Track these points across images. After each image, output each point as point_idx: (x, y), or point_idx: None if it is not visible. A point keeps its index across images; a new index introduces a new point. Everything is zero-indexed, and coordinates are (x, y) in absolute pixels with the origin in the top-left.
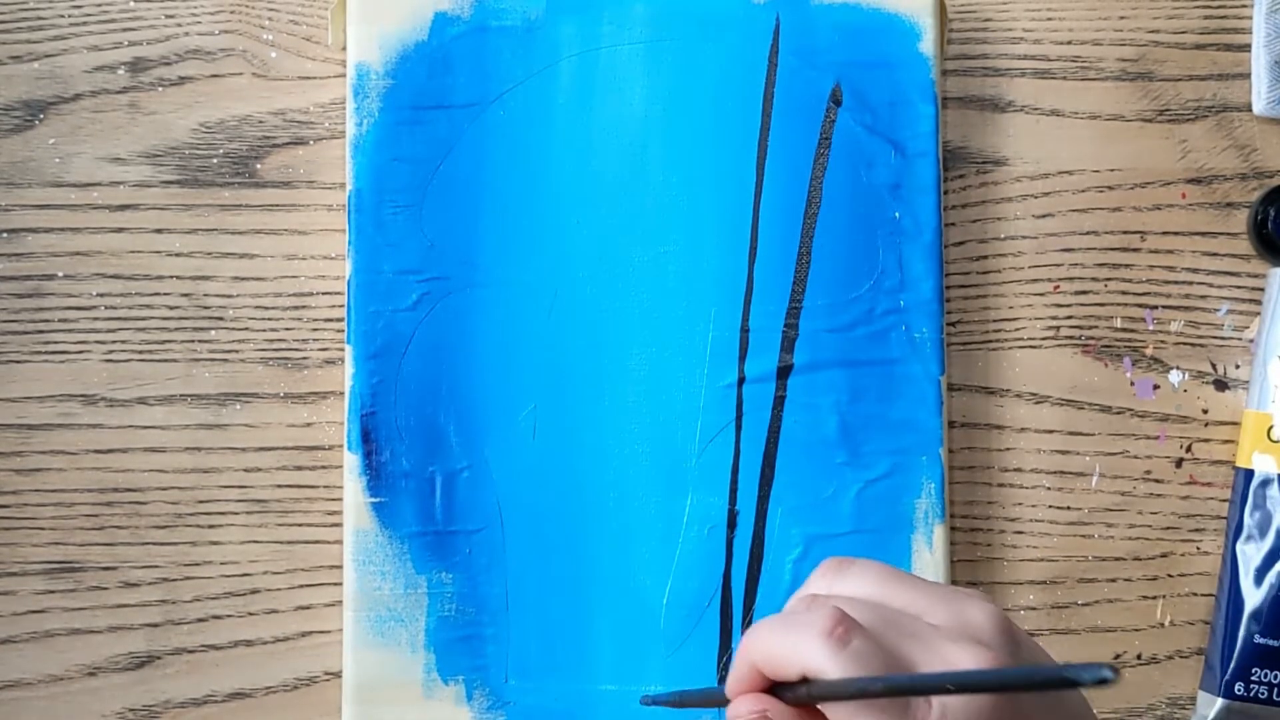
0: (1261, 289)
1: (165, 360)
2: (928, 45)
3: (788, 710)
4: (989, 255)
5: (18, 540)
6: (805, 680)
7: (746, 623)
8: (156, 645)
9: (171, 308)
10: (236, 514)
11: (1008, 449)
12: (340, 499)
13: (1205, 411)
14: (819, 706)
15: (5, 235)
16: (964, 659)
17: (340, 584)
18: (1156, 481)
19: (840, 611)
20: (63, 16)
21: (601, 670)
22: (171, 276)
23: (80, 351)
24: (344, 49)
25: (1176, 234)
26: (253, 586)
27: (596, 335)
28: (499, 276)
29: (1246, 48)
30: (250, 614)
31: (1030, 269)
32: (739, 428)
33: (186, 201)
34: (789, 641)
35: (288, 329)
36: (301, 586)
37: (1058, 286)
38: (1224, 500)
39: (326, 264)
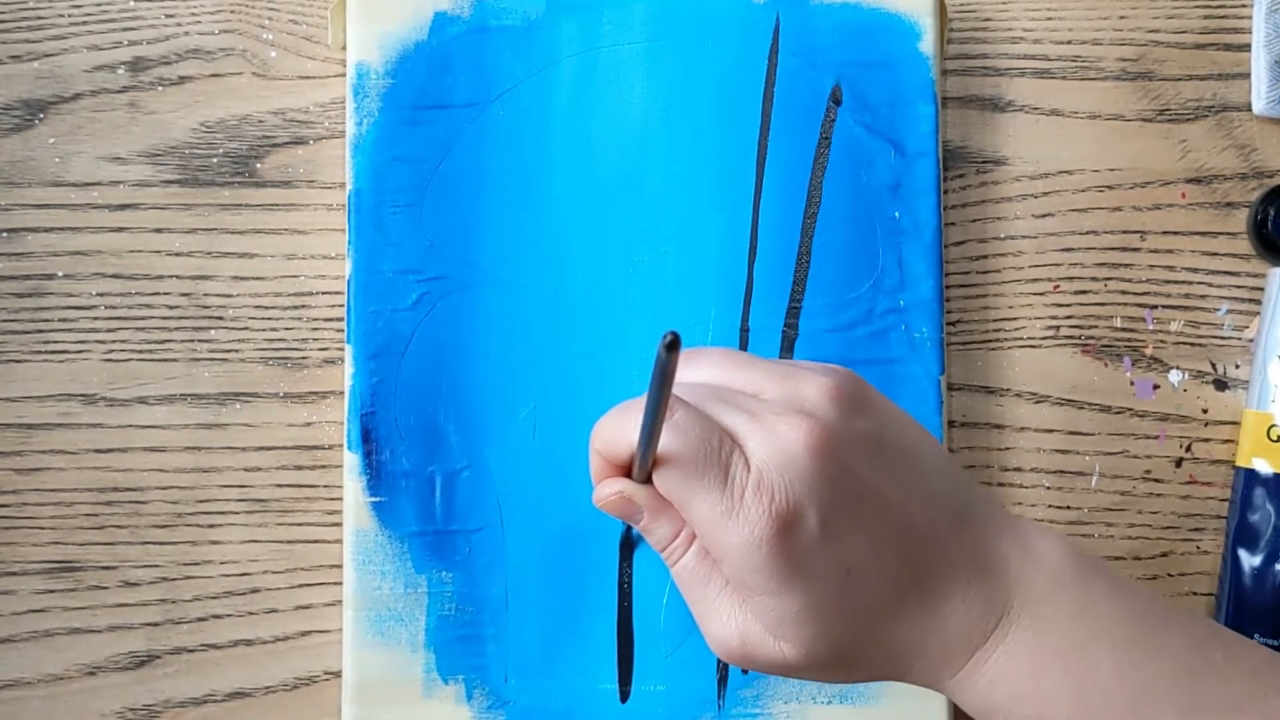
0: (1261, 289)
1: (165, 360)
2: (928, 45)
3: (641, 488)
4: (989, 255)
5: (18, 540)
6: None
7: None
8: (156, 645)
9: (171, 307)
10: (236, 513)
11: (1008, 449)
12: (340, 498)
13: (1205, 411)
14: (655, 478)
15: (5, 235)
16: (786, 429)
17: (340, 583)
18: (1156, 481)
19: None
20: (63, 16)
21: (601, 670)
22: (171, 276)
23: (80, 351)
24: (344, 49)
25: (1176, 234)
26: (253, 586)
27: (596, 335)
28: (499, 276)
29: (1246, 47)
30: (250, 613)
31: (1030, 269)
32: None
33: (186, 201)
34: (619, 424)
35: (288, 329)
36: (301, 586)
37: (1058, 286)
38: (1224, 500)
39: (326, 264)
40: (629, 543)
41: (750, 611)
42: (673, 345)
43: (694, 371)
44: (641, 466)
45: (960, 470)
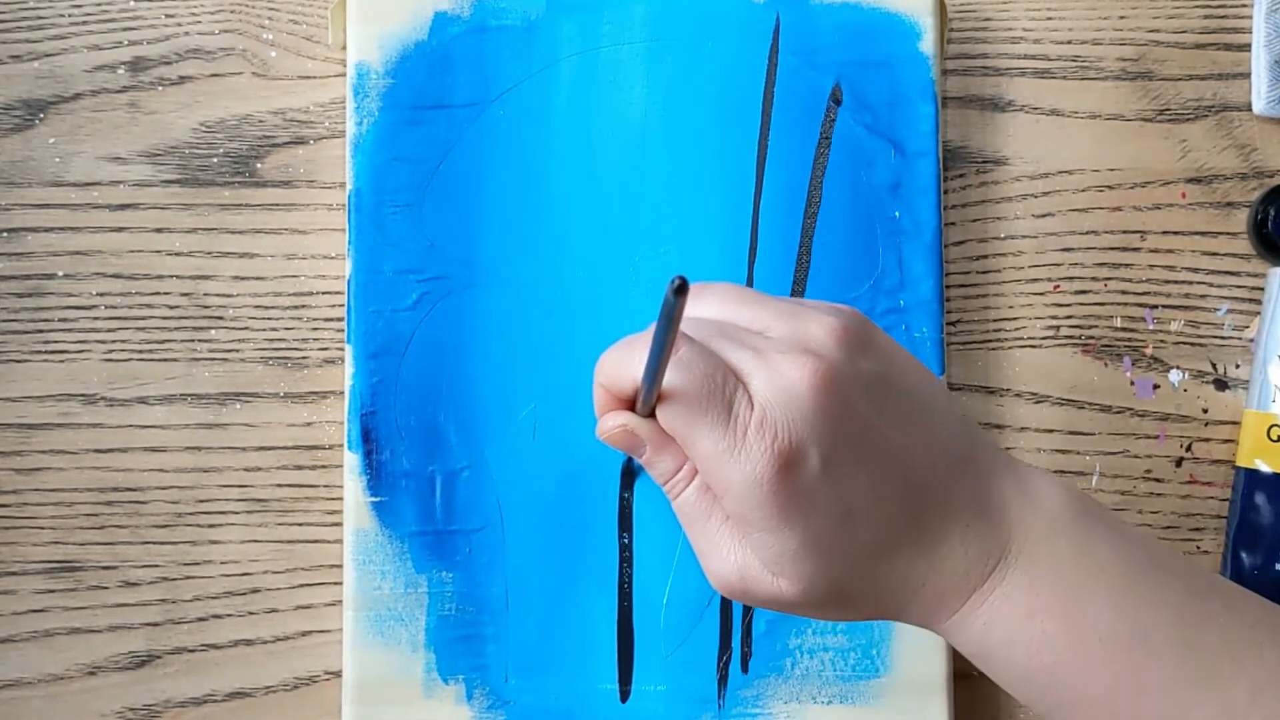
0: (1261, 289)
1: (165, 360)
2: (928, 45)
3: (644, 422)
4: (989, 255)
5: (18, 539)
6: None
7: (746, 622)
8: (156, 645)
9: (171, 307)
10: (237, 513)
11: (1008, 448)
12: (340, 498)
13: (1205, 411)
14: (658, 414)
15: (5, 235)
16: (791, 367)
17: (340, 583)
18: (1156, 481)
19: None
20: (63, 16)
21: (601, 670)
22: (171, 276)
23: (80, 351)
24: (344, 48)
25: (1176, 234)
26: (253, 586)
27: (596, 335)
28: (499, 276)
29: (1246, 47)
30: (250, 613)
31: (1030, 269)
32: None
33: (186, 201)
34: (623, 359)
35: (288, 328)
36: (301, 586)
37: (1058, 286)
38: (1224, 500)
39: (326, 263)
40: (630, 471)
41: (750, 547)
42: (680, 290)
43: (700, 307)
44: (645, 402)
45: (963, 415)
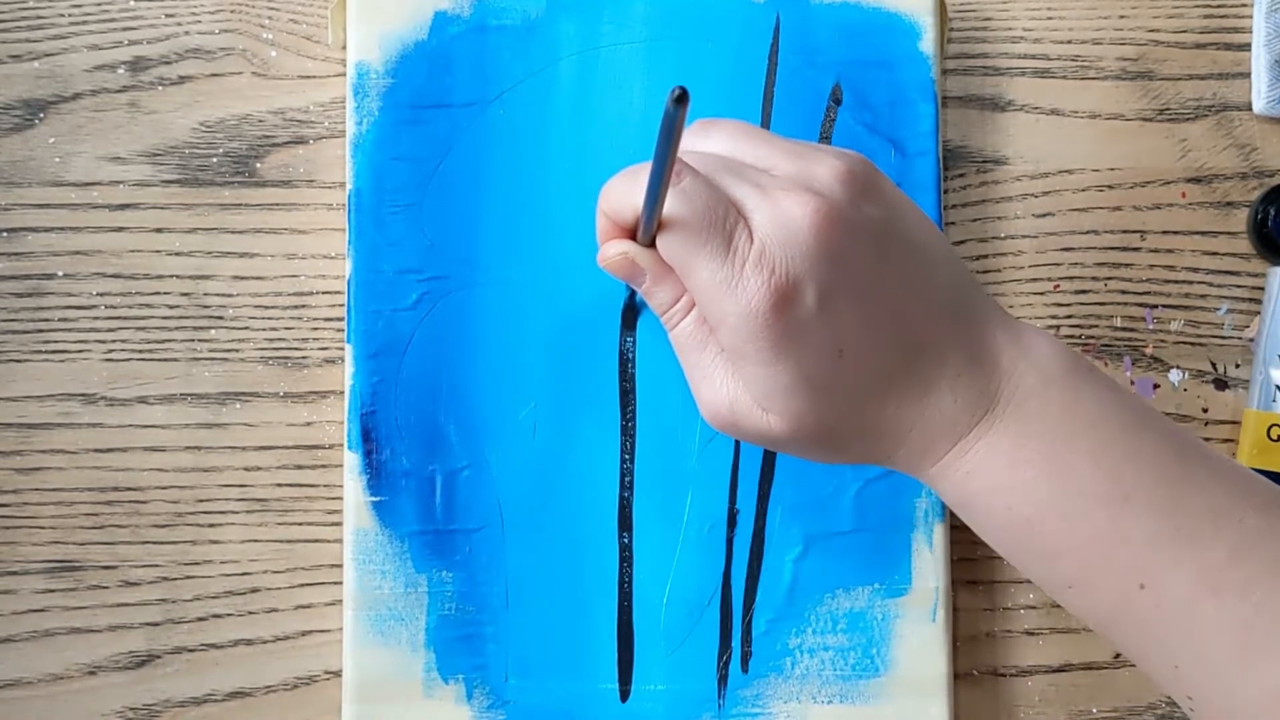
0: (1261, 288)
1: (165, 359)
2: (928, 44)
3: (645, 251)
4: (989, 255)
5: (18, 539)
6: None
7: (747, 622)
8: (156, 644)
9: (171, 307)
10: (236, 513)
11: None
12: (340, 498)
13: (1205, 411)
14: (658, 242)
15: (5, 234)
16: (793, 205)
17: (340, 583)
18: None
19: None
20: (63, 15)
21: (601, 670)
22: (171, 276)
23: (80, 351)
24: (344, 48)
25: (1176, 233)
26: (253, 585)
27: (596, 334)
28: (499, 276)
29: (1246, 47)
30: (250, 613)
31: (1030, 268)
32: None
33: (186, 201)
34: (626, 187)
35: (288, 328)
36: (301, 585)
37: (1058, 286)
38: None
39: (326, 263)
40: (632, 307)
41: (741, 381)
42: (680, 99)
43: (707, 142)
44: (646, 229)
45: (964, 268)
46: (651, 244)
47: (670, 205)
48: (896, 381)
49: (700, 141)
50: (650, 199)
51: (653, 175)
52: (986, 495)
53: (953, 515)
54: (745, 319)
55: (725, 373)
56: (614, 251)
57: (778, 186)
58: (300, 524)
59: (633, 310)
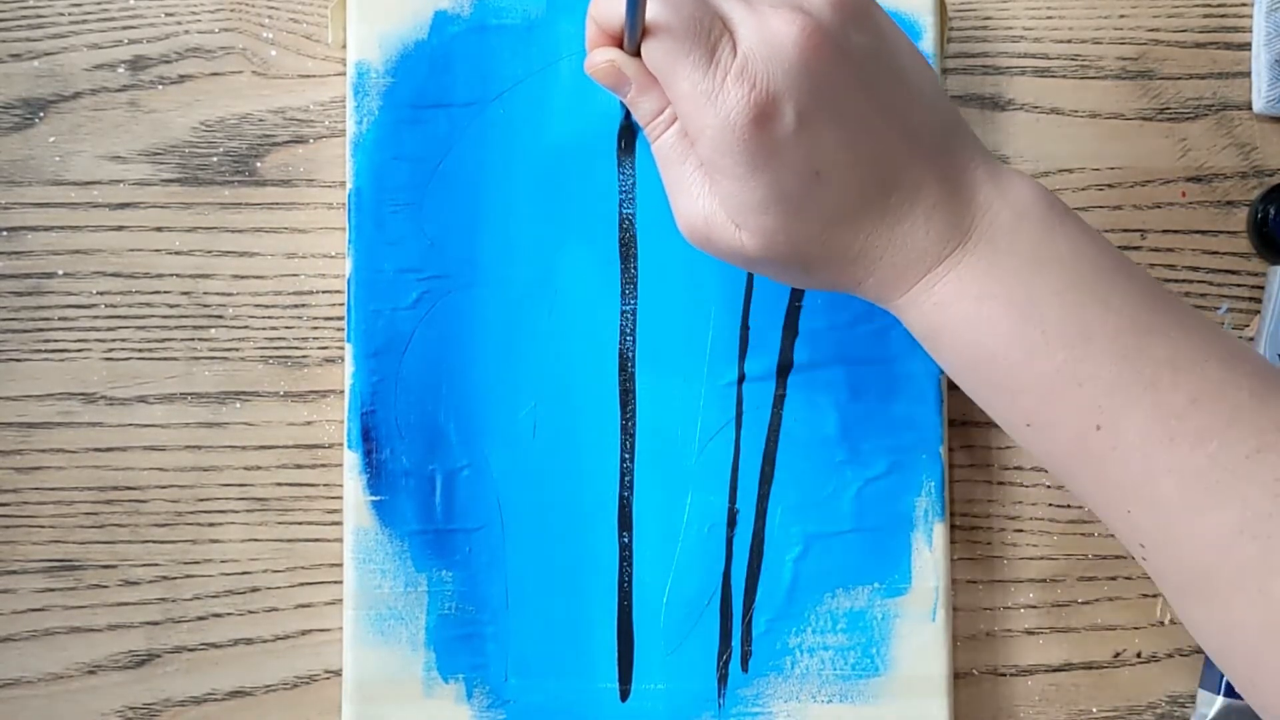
0: (1261, 288)
1: (165, 359)
2: (928, 43)
3: (630, 59)
4: None
5: (18, 538)
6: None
7: (747, 622)
8: (156, 643)
9: (171, 306)
10: (236, 512)
11: (1008, 447)
12: (340, 497)
13: None
14: (643, 49)
15: (5, 233)
16: (780, 22)
17: (340, 582)
18: None
19: None
20: (63, 15)
21: (601, 669)
22: (172, 275)
23: (80, 350)
24: (344, 47)
25: (1176, 232)
26: (253, 585)
27: (596, 333)
28: (499, 275)
29: (1247, 46)
30: (250, 612)
31: None
32: (739, 426)
33: (186, 200)
34: None
35: (288, 327)
36: (301, 585)
37: None
38: None
39: (326, 262)
40: (629, 128)
41: (717, 196)
42: None
43: None
44: (631, 36)
45: (953, 110)
46: (637, 54)
47: (655, 11)
48: (871, 209)
49: None
50: (633, 3)
51: None
52: (952, 327)
53: (952, 513)
54: (723, 131)
55: (703, 187)
56: (600, 59)
57: (767, 3)
58: (300, 523)
59: (630, 131)
